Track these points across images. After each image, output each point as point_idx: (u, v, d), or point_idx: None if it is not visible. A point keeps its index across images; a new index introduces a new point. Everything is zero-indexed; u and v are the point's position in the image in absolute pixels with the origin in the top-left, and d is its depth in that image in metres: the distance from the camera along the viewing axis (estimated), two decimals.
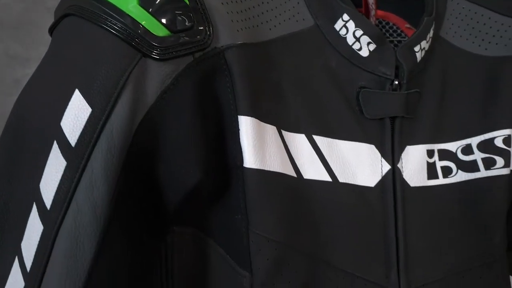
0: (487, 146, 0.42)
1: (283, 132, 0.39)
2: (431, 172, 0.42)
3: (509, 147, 0.42)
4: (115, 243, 0.32)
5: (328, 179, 0.40)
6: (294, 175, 0.39)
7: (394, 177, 0.41)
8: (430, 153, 0.42)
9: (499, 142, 0.42)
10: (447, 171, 0.42)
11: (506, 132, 0.42)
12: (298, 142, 0.39)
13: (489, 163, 0.41)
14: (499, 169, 0.41)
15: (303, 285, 0.37)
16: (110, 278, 0.32)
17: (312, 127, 0.40)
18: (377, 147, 0.41)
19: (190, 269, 0.40)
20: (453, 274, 0.40)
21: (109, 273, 0.32)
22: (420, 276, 0.40)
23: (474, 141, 0.43)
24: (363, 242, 0.40)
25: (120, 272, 0.33)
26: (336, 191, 0.40)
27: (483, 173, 0.41)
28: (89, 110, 0.31)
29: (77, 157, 0.31)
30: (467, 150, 0.43)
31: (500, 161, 0.41)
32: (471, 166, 0.42)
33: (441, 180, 0.42)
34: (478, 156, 0.42)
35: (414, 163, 0.41)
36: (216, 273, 0.39)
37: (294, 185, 0.38)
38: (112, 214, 0.31)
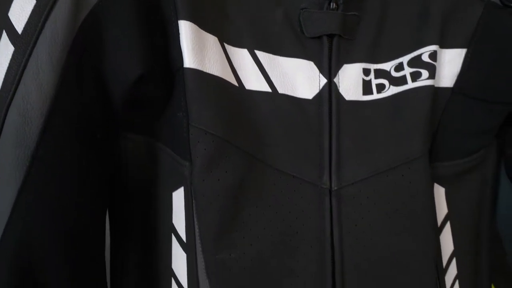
0: (415, 61, 0.46)
1: (226, 45, 0.42)
2: (366, 88, 0.46)
3: (435, 61, 0.46)
4: (64, 128, 0.35)
5: (268, 90, 0.43)
6: (236, 84, 0.42)
7: (330, 90, 0.45)
8: (366, 72, 0.46)
9: (425, 57, 0.46)
10: (381, 88, 0.46)
11: (432, 48, 0.46)
12: (241, 55, 0.43)
13: (415, 76, 0.45)
14: (424, 81, 0.45)
15: (240, 178, 0.41)
16: (58, 160, 0.35)
17: (255, 43, 0.43)
18: (315, 64, 0.45)
19: (143, 172, 0.43)
20: (378, 173, 0.44)
21: (56, 154, 0.35)
22: (349, 176, 0.44)
23: (405, 58, 0.47)
24: (299, 147, 0.44)
25: (68, 158, 0.36)
26: (276, 101, 0.43)
27: (410, 85, 0.45)
28: (34, 2, 0.34)
29: (24, 43, 0.34)
30: (399, 67, 0.47)
31: (425, 73, 0.45)
32: (401, 80, 0.46)
33: (375, 96, 0.46)
34: (407, 71, 0.46)
35: (350, 79, 0.45)
36: (164, 170, 0.43)
37: (235, 92, 0.42)
38: (57, 96, 0.34)
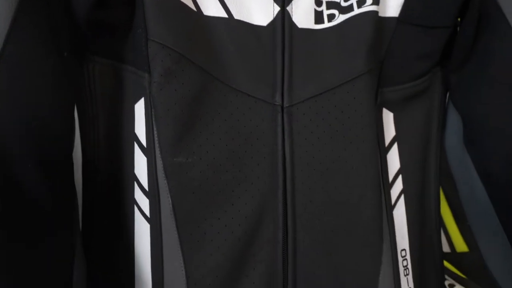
0: None
1: None
2: (318, 18, 0.50)
3: None
4: (30, 31, 0.38)
5: (225, 15, 0.47)
6: (194, 9, 0.46)
7: (283, 18, 0.48)
8: (318, 3, 0.50)
9: None
10: (331, 17, 0.50)
11: None
12: None
13: (361, 3, 0.49)
14: (368, 6, 0.49)
15: (196, 91, 0.45)
16: (24, 61, 0.38)
17: None
18: None
19: (109, 91, 0.47)
20: (326, 91, 0.48)
21: (23, 55, 0.38)
22: (300, 94, 0.48)
23: None
24: (254, 69, 0.48)
25: (35, 61, 0.39)
26: (232, 26, 0.47)
27: (356, 11, 0.49)
28: None
29: None
30: None
31: (369, 0, 0.49)
32: (349, 8, 0.50)
33: (326, 25, 0.50)
34: (354, 0, 0.50)
35: (303, 8, 0.49)
36: (128, 87, 0.46)
37: (193, 16, 0.46)
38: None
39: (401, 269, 0.51)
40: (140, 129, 0.45)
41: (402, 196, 0.53)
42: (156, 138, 0.44)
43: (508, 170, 0.49)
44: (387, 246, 0.50)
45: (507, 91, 0.49)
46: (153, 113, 0.44)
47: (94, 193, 0.47)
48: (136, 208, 0.45)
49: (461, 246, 0.99)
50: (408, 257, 0.52)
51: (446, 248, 0.98)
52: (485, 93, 0.51)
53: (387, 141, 0.53)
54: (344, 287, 0.48)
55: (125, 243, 0.46)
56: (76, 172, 0.47)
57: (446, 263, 0.93)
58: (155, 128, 0.44)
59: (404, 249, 0.52)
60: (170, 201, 0.44)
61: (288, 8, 0.49)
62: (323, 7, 0.50)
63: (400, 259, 0.51)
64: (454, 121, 0.57)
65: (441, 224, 0.61)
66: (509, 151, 0.49)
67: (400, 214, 0.52)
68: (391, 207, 0.51)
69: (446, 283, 0.91)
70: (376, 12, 0.49)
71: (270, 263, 0.47)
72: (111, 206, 0.47)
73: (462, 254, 0.98)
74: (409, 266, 0.52)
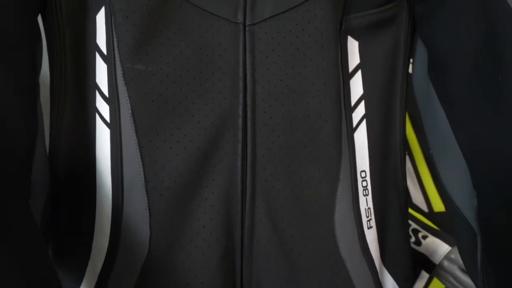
0: None
1: None
2: None
3: None
4: None
5: None
6: None
7: None
8: None
9: None
10: None
11: None
12: None
13: None
14: None
15: (157, 3, 0.46)
16: None
17: None
18: None
19: (73, 6, 0.48)
20: (288, 10, 0.49)
21: None
22: (262, 13, 0.49)
23: None
24: None
25: None
26: None
27: None
28: None
29: None
30: None
31: None
32: None
33: None
34: None
35: None
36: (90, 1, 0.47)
37: None
38: None
39: (360, 188, 0.53)
40: (101, 38, 0.46)
41: (364, 121, 0.54)
42: (115, 45, 0.45)
43: (467, 92, 0.50)
44: (346, 163, 0.51)
45: (467, 19, 0.50)
46: (112, 20, 0.45)
47: (59, 104, 0.48)
48: (97, 116, 0.47)
49: (438, 205, 1.00)
50: (368, 178, 0.53)
51: (424, 207, 1.00)
52: (447, 21, 0.52)
53: (351, 67, 0.54)
54: (301, 201, 0.50)
55: (87, 148, 0.47)
56: (43, 88, 0.48)
57: (420, 216, 0.94)
58: (114, 35, 0.45)
59: (364, 171, 0.53)
60: (130, 107, 0.45)
61: None
62: None
63: (359, 178, 0.53)
64: (422, 52, 0.58)
65: (405, 156, 0.61)
66: (468, 75, 0.50)
67: (361, 137, 0.53)
68: (352, 129, 0.53)
69: (420, 234, 0.92)
70: None
71: (229, 175, 0.48)
72: (75, 115, 0.48)
73: (439, 213, 1.00)
74: (369, 188, 0.53)
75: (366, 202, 0.53)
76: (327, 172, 0.50)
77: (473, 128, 0.48)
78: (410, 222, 0.90)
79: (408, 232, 0.59)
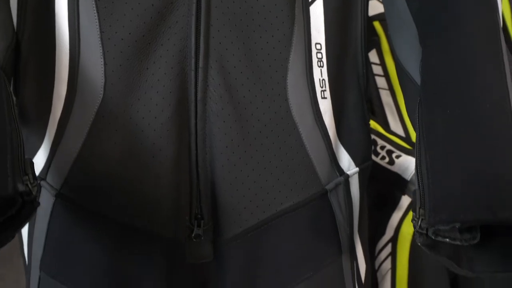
0: None
1: None
2: None
3: None
4: None
5: None
6: None
7: None
8: None
9: None
10: None
11: None
12: None
13: None
14: None
15: None
16: None
17: None
18: None
19: None
20: None
21: None
22: None
23: None
24: None
25: None
26: None
27: None
28: None
29: None
30: None
31: None
32: None
33: None
34: None
35: None
36: None
37: None
38: None
39: (315, 59, 0.54)
40: None
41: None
42: None
43: None
44: (300, 31, 0.53)
45: None
46: None
47: None
48: None
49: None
50: (323, 52, 0.55)
51: (400, 131, 1.01)
52: None
53: None
54: (255, 64, 0.51)
55: (46, 5, 0.49)
56: None
57: (396, 139, 0.95)
58: None
59: (319, 43, 0.55)
60: None
61: None
62: None
63: (314, 49, 0.54)
64: None
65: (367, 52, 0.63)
66: None
67: (317, 12, 0.55)
68: (308, 3, 0.54)
69: (394, 155, 0.94)
70: None
71: (184, 36, 0.50)
72: None
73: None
74: (324, 60, 0.55)
75: (320, 73, 0.54)
76: (280, 38, 0.52)
77: None
78: (384, 143, 0.91)
79: (367, 118, 0.60)
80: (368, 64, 1.02)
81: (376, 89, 1.02)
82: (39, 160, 0.52)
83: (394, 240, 0.98)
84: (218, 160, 0.51)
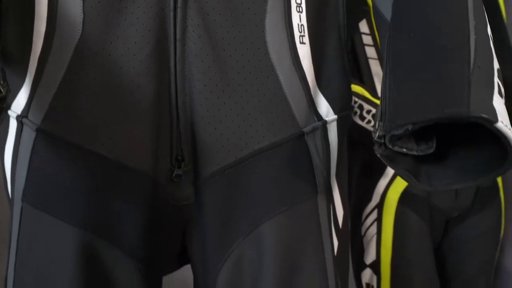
0: None
1: None
2: None
3: None
4: None
5: None
6: None
7: None
8: None
9: None
10: None
11: None
12: None
13: None
14: None
15: None
16: None
17: None
18: None
19: None
20: None
21: None
22: None
23: None
24: None
25: None
26: None
27: None
28: None
29: None
30: None
31: None
32: None
33: None
34: None
35: None
36: None
37: None
38: None
39: (294, 3, 0.54)
40: None
41: None
42: None
43: None
44: None
45: None
46: None
47: None
48: None
49: None
50: None
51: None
52: None
53: None
54: (233, 7, 0.52)
55: None
56: None
57: (368, 94, 0.97)
58: None
59: None
60: None
61: None
62: None
63: None
64: None
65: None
66: None
67: None
68: None
69: (370, 114, 0.94)
70: None
71: None
72: None
73: None
74: (303, 6, 0.55)
75: (299, 18, 0.55)
76: None
77: None
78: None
79: (347, 69, 0.61)
80: (357, 33, 1.03)
81: (366, 58, 1.03)
82: (21, 99, 0.53)
83: (380, 206, 1.00)
84: (197, 99, 0.52)
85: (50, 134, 0.51)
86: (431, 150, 0.46)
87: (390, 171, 0.99)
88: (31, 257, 0.52)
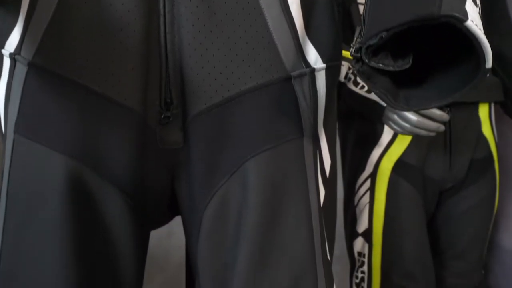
0: None
1: None
2: None
3: None
4: None
5: None
6: None
7: None
8: None
9: None
10: None
11: None
12: None
13: None
14: None
15: None
16: None
17: None
18: None
19: None
20: None
21: None
22: None
23: None
24: None
25: None
26: None
27: None
28: None
29: None
30: None
31: None
32: None
33: None
34: None
35: None
36: None
37: None
38: None
39: None
40: None
41: None
42: None
43: None
44: None
45: None
46: None
47: None
48: None
49: None
50: None
51: None
52: None
53: None
54: None
55: None
56: None
57: None
58: None
59: None
60: None
61: None
62: None
63: None
64: None
65: None
66: None
67: None
68: None
69: (356, 87, 0.95)
70: None
71: None
72: None
73: None
74: None
75: None
76: None
77: None
78: None
79: (337, 20, 0.62)
80: None
81: (360, 18, 1.03)
82: (14, 37, 0.54)
83: (373, 175, 1.00)
84: (185, 39, 0.53)
85: (41, 67, 0.53)
86: (408, 65, 0.47)
87: (384, 141, 1.00)
88: (22, 186, 0.54)
